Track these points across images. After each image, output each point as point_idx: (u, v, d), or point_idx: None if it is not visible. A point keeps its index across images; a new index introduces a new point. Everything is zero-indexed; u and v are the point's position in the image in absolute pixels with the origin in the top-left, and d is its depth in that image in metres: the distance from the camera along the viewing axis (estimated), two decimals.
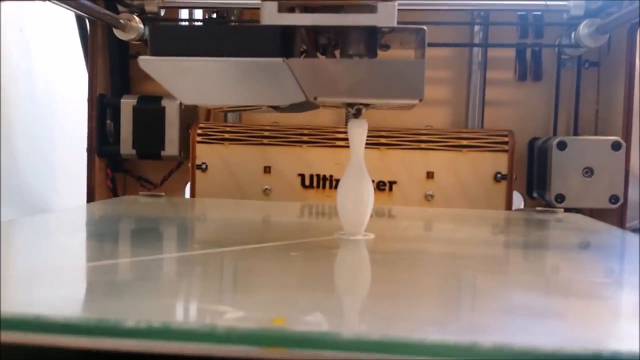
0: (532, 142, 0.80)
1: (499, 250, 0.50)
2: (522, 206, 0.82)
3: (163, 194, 0.75)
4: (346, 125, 0.47)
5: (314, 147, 0.75)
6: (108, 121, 0.80)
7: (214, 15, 0.80)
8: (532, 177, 0.80)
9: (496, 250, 0.49)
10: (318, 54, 0.45)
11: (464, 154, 0.74)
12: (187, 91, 0.42)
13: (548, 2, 0.73)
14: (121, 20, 0.72)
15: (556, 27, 0.80)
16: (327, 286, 0.34)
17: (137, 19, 0.74)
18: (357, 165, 0.46)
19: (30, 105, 0.93)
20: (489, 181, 0.74)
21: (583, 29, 0.73)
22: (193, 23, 0.81)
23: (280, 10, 0.39)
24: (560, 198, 0.72)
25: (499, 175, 0.73)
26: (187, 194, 0.82)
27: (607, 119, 0.79)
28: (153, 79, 0.40)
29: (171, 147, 0.78)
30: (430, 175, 0.74)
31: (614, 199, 0.72)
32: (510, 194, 0.74)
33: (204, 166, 0.76)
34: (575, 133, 0.80)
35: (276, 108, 0.48)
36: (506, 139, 0.74)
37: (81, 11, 0.66)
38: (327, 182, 0.75)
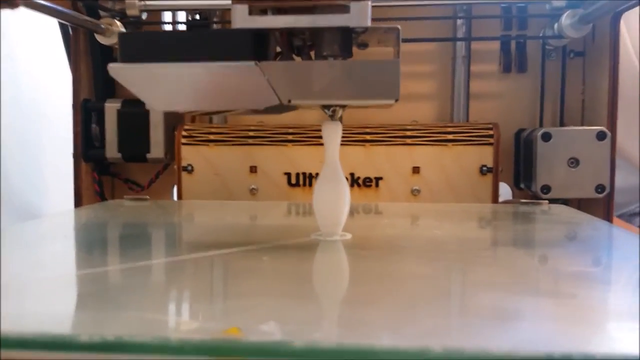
0: (518, 134, 0.80)
1: (479, 247, 0.50)
2: (510, 197, 0.83)
3: (148, 197, 0.75)
4: None
5: (299, 145, 0.75)
6: (93, 125, 0.80)
7: (197, 17, 0.80)
8: (519, 169, 0.80)
9: (476, 247, 0.49)
10: (293, 56, 0.45)
11: (449, 148, 0.74)
12: (159, 98, 0.42)
13: None
14: (102, 25, 0.72)
15: (540, 19, 0.80)
16: (292, 292, 0.34)
17: (118, 23, 0.74)
18: (332, 166, 0.46)
19: (17, 110, 0.93)
20: (475, 174, 0.74)
21: (565, 19, 0.73)
22: (175, 26, 0.80)
23: (251, 12, 0.39)
24: (546, 189, 0.72)
25: (484, 168, 0.73)
26: (175, 196, 0.82)
27: (593, 108, 0.79)
28: None
29: (157, 149, 0.78)
30: (416, 170, 0.74)
31: (600, 188, 0.72)
32: (496, 186, 0.74)
33: (190, 168, 0.76)
34: (562, 124, 0.80)
35: (255, 110, 0.48)
36: (491, 132, 0.74)
37: (61, 18, 0.65)
38: (313, 180, 0.75)
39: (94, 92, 0.81)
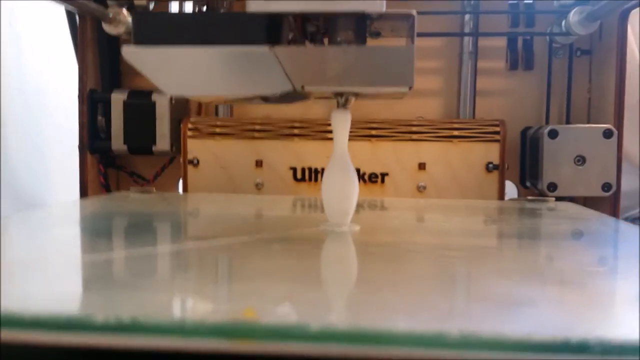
0: (524, 132, 0.80)
1: (484, 241, 0.49)
2: (516, 196, 0.82)
3: (154, 189, 0.75)
4: None
5: (305, 140, 0.75)
6: (99, 117, 0.79)
7: (204, 9, 0.80)
8: (525, 167, 0.80)
9: (481, 240, 0.49)
10: (307, 42, 0.45)
11: (455, 145, 0.74)
12: (172, 82, 0.42)
13: None
14: (109, 14, 0.71)
15: (548, 15, 0.80)
16: (303, 277, 0.33)
17: (125, 12, 0.73)
18: (340, 156, 0.46)
19: (22, 100, 0.93)
20: (481, 171, 0.74)
21: (573, 16, 0.73)
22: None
23: None
24: (553, 187, 0.72)
25: (490, 165, 0.73)
26: (181, 189, 0.81)
27: (599, 106, 0.78)
28: None
29: (162, 142, 0.78)
30: (422, 166, 0.74)
31: (606, 186, 0.72)
32: (502, 183, 0.74)
33: (195, 161, 0.76)
34: (568, 122, 0.80)
35: (266, 99, 0.48)
36: (497, 129, 0.73)
37: (68, 4, 0.65)
38: (318, 175, 0.74)
39: (100, 82, 0.81)
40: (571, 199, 0.74)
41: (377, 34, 0.46)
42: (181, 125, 0.77)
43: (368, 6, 0.38)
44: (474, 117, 0.80)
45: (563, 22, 0.75)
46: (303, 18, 0.42)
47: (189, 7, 0.80)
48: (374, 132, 0.74)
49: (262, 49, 0.38)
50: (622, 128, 0.73)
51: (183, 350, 0.22)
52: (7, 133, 0.88)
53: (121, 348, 0.22)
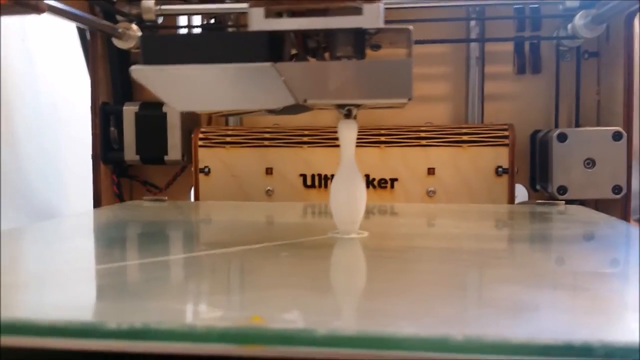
0: (533, 135, 0.80)
1: (494, 245, 0.50)
2: (526, 199, 0.82)
3: (166, 197, 0.76)
4: None
5: (314, 147, 0.76)
6: (112, 128, 0.81)
7: (212, 21, 0.81)
8: (535, 170, 0.80)
9: (491, 245, 0.50)
10: (309, 57, 0.46)
11: (464, 149, 0.74)
12: (180, 98, 0.43)
13: None
14: (119, 30, 0.73)
15: (554, 19, 0.80)
16: (312, 285, 0.34)
17: (135, 27, 0.75)
18: (348, 165, 0.47)
19: (36, 114, 0.95)
20: (491, 175, 0.74)
21: (579, 19, 0.73)
22: (190, 29, 0.81)
23: (267, 15, 0.40)
24: (563, 190, 0.72)
25: (500, 169, 0.73)
26: (193, 198, 0.83)
27: (608, 109, 0.78)
28: None
29: (174, 151, 0.79)
30: (431, 171, 0.74)
31: (617, 189, 0.72)
32: (512, 187, 0.74)
33: (206, 170, 0.77)
34: (577, 125, 0.80)
35: (271, 111, 0.48)
36: (506, 133, 0.74)
37: (79, 22, 0.66)
38: (328, 182, 0.75)
39: (112, 95, 0.82)
40: (582, 202, 0.74)
41: (377, 47, 0.47)
42: (192, 135, 0.78)
43: (365, 22, 0.39)
44: (482, 121, 0.81)
45: (569, 26, 0.75)
46: (304, 34, 0.43)
47: (196, 20, 0.82)
48: (383, 138, 0.75)
49: (265, 66, 0.39)
50: (631, 130, 0.72)
51: (194, 355, 0.23)
52: (22, 146, 0.90)
53: (133, 352, 0.23)
